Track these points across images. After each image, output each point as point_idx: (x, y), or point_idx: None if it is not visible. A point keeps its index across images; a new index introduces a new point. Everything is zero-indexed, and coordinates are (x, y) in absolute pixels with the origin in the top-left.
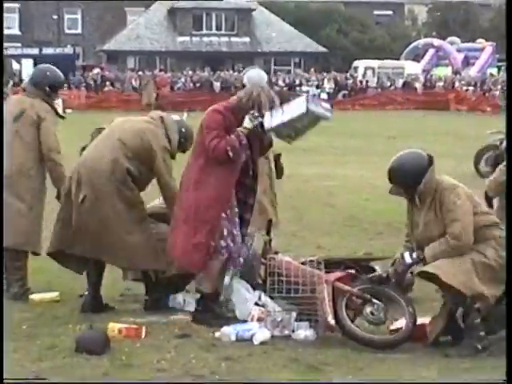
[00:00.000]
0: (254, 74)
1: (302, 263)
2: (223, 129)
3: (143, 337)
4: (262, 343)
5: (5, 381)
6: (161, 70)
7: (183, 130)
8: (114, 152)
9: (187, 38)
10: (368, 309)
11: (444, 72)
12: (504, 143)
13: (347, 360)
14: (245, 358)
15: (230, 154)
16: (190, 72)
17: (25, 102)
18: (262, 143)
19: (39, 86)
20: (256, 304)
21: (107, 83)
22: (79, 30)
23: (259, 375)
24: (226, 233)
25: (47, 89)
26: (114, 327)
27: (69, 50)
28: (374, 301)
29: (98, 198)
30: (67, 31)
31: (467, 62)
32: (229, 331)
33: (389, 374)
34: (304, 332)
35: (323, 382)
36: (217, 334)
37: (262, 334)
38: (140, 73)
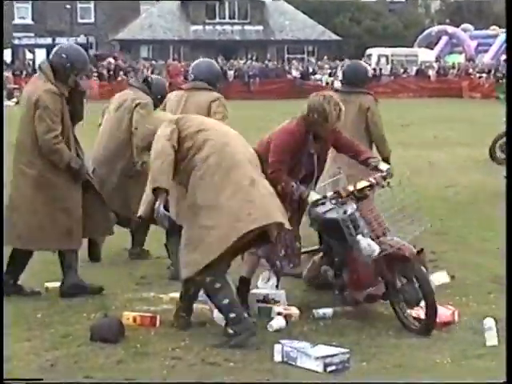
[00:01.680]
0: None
1: None
2: (290, 152)
3: (158, 325)
4: (277, 331)
5: (5, 382)
6: (174, 59)
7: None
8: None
9: (200, 27)
10: None
11: (457, 59)
12: None
13: (360, 346)
14: (259, 346)
15: (280, 190)
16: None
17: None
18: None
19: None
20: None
21: (120, 73)
22: (92, 20)
23: (273, 362)
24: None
25: None
26: (128, 316)
27: (82, 39)
28: None
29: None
30: (80, 20)
31: (481, 49)
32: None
33: (402, 361)
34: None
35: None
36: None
37: (277, 321)
38: (153, 62)
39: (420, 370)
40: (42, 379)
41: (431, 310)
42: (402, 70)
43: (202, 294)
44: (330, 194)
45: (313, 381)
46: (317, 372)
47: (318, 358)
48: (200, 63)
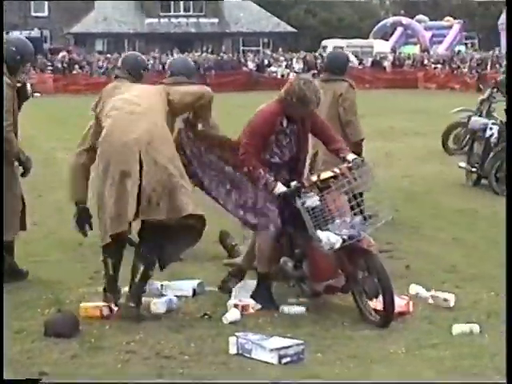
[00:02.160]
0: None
1: None
2: (263, 136)
3: (113, 318)
4: (232, 323)
5: (5, 382)
6: None
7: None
8: None
9: (155, 20)
10: None
11: (412, 50)
12: (472, 119)
13: (315, 338)
14: (214, 338)
15: (247, 172)
16: (158, 54)
17: None
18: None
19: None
20: None
21: (75, 66)
22: (46, 13)
23: (228, 355)
24: None
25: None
26: (86, 307)
27: (36, 33)
28: None
29: None
30: (34, 14)
31: (435, 40)
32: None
33: (357, 352)
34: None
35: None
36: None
37: (232, 313)
38: (108, 55)
39: (374, 361)
40: (41, 379)
41: (389, 304)
42: (357, 62)
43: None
44: (294, 183)
45: (267, 372)
46: (272, 364)
47: (272, 350)
48: (176, 60)
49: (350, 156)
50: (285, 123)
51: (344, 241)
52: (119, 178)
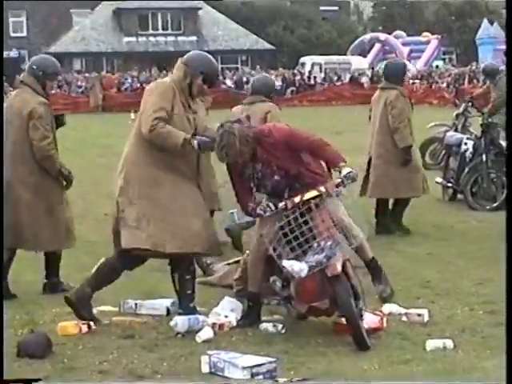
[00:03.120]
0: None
1: None
2: (236, 178)
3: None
4: (205, 341)
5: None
6: (107, 72)
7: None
8: None
9: (133, 39)
10: None
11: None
12: (447, 134)
13: (288, 355)
14: (187, 357)
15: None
16: (137, 73)
17: None
18: None
19: None
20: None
21: (54, 86)
22: (24, 33)
23: (201, 374)
24: None
25: None
26: (63, 325)
27: (14, 53)
28: None
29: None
30: (12, 34)
31: (413, 56)
32: (182, 321)
33: (330, 368)
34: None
35: None
36: (171, 323)
37: (205, 332)
38: (86, 74)
39: (347, 378)
40: (41, 379)
41: (355, 330)
42: (335, 78)
43: None
44: (280, 204)
45: None
46: (244, 382)
47: (245, 368)
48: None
49: (345, 170)
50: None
51: (310, 268)
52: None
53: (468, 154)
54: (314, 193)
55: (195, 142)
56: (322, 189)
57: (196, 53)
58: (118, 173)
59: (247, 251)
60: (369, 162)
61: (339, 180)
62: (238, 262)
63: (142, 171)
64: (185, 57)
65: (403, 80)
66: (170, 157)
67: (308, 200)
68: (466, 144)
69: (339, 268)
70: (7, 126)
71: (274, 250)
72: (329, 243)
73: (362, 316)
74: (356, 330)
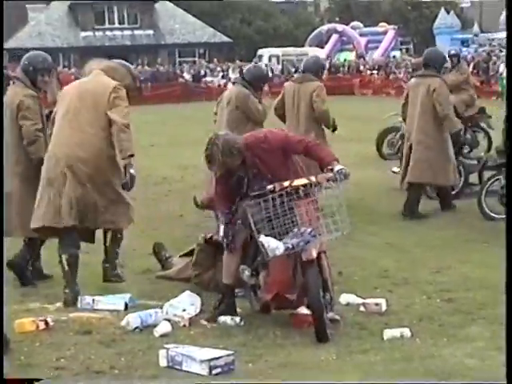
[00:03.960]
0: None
1: None
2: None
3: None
4: (163, 336)
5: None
6: (64, 67)
7: None
8: None
9: (90, 33)
10: None
11: (348, 57)
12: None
13: (247, 347)
14: (145, 351)
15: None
16: None
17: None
18: None
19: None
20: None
21: (10, 82)
22: None
23: (159, 368)
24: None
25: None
26: (20, 322)
27: None
28: None
29: None
30: None
31: (371, 46)
32: (134, 318)
33: (288, 360)
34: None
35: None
36: (123, 323)
37: (163, 326)
38: None
39: (305, 368)
40: (42, 379)
41: (318, 321)
42: (293, 70)
43: None
44: (269, 186)
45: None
46: (202, 375)
47: (203, 361)
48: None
49: (337, 167)
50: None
51: (287, 249)
52: None
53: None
54: (303, 180)
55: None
56: (313, 178)
57: None
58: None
59: (202, 235)
60: (410, 149)
61: (331, 174)
62: (192, 251)
63: None
64: None
65: (442, 68)
66: None
67: (297, 187)
68: None
69: (314, 254)
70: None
71: (255, 223)
72: (309, 230)
73: (327, 309)
74: (319, 320)
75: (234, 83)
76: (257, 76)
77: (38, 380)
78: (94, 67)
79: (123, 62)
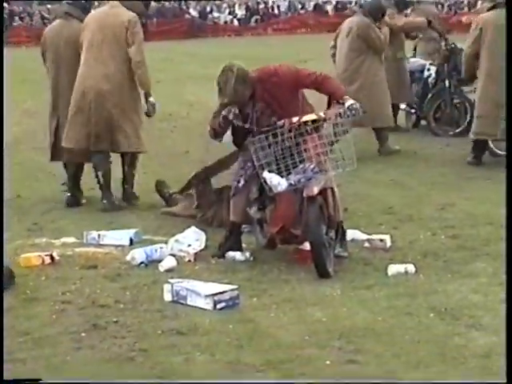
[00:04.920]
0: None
1: None
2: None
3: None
4: (168, 271)
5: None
6: None
7: None
8: None
9: None
10: None
11: None
12: (410, 60)
13: (251, 282)
14: (150, 286)
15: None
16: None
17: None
18: None
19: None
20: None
21: (15, 18)
22: None
23: (164, 302)
24: None
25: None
26: (26, 256)
27: None
28: None
29: None
30: None
31: None
32: (139, 253)
33: (292, 295)
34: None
35: None
36: (127, 258)
37: (168, 261)
38: (48, 6)
39: (309, 303)
40: (41, 379)
41: (317, 259)
42: (299, 6)
43: None
44: (279, 122)
45: (203, 318)
46: (206, 310)
47: (207, 296)
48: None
49: (348, 102)
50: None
51: (290, 185)
52: None
53: (431, 80)
54: (312, 116)
55: None
56: (322, 114)
57: None
58: None
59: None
60: None
61: (341, 110)
62: (189, 184)
63: None
64: None
65: None
66: None
67: (306, 123)
68: (428, 70)
69: (316, 191)
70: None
71: (258, 159)
72: (312, 166)
73: (330, 245)
74: (318, 256)
75: (353, 14)
76: (376, 6)
77: (37, 380)
78: None
79: None
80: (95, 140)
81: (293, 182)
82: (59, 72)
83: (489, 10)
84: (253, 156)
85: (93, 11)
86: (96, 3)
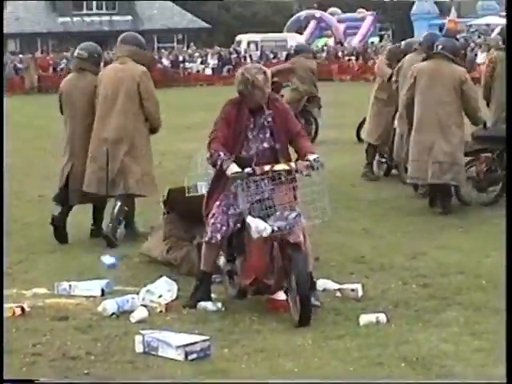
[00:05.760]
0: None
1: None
2: (228, 122)
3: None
4: (139, 321)
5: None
6: (42, 52)
7: None
8: None
9: (68, 19)
10: None
11: (326, 43)
12: None
13: (223, 333)
14: (121, 337)
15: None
16: (71, 53)
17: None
18: None
19: None
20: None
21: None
22: None
23: (135, 353)
24: None
25: None
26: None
27: None
28: None
29: None
30: None
31: (349, 33)
32: (110, 304)
33: (264, 345)
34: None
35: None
36: (99, 308)
37: (139, 312)
38: (21, 56)
39: (281, 354)
40: (38, 379)
41: (304, 307)
42: (271, 56)
43: None
44: (247, 169)
45: (174, 369)
46: (178, 361)
47: (179, 347)
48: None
49: (312, 156)
50: (247, 116)
51: (273, 231)
52: None
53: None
54: (284, 166)
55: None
56: (293, 165)
57: None
58: None
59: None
60: None
61: (308, 163)
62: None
63: None
64: None
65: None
66: None
67: (278, 172)
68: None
69: (301, 237)
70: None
71: (244, 202)
72: (293, 214)
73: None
74: (305, 305)
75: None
76: (456, 48)
77: (37, 380)
78: (119, 54)
79: (137, 38)
80: (111, 186)
81: (276, 228)
82: (75, 122)
83: (423, 60)
84: (240, 199)
85: (107, 67)
86: (106, 57)
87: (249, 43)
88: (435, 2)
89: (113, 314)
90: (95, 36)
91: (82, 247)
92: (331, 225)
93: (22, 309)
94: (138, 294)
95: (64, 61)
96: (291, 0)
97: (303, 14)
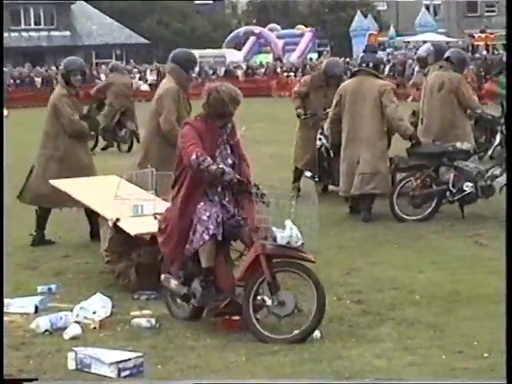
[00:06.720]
0: None
1: None
2: (200, 137)
3: None
4: (73, 338)
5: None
6: None
7: None
8: None
9: (6, 34)
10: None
11: (266, 59)
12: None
13: (156, 350)
14: (54, 354)
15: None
16: (9, 68)
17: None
18: None
19: None
20: None
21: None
22: None
23: (68, 370)
24: None
25: None
26: None
27: None
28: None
29: None
30: None
31: (288, 49)
32: (43, 321)
33: (198, 362)
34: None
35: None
36: (32, 325)
37: (73, 329)
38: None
39: (215, 370)
40: (37, 379)
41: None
42: (210, 72)
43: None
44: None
45: None
46: (111, 377)
47: (112, 364)
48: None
49: (253, 189)
50: (218, 132)
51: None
52: None
53: (323, 150)
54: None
55: None
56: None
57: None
58: None
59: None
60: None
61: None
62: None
63: None
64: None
65: None
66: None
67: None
68: (320, 139)
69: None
70: None
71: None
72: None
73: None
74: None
75: (440, 68)
76: (462, 59)
77: (36, 380)
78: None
79: (176, 55)
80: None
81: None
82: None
83: (349, 78)
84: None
85: None
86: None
87: None
88: (375, 19)
89: (46, 330)
90: (33, 51)
91: (15, 264)
92: None
93: None
94: (71, 310)
95: None
96: (230, 15)
97: (242, 30)
